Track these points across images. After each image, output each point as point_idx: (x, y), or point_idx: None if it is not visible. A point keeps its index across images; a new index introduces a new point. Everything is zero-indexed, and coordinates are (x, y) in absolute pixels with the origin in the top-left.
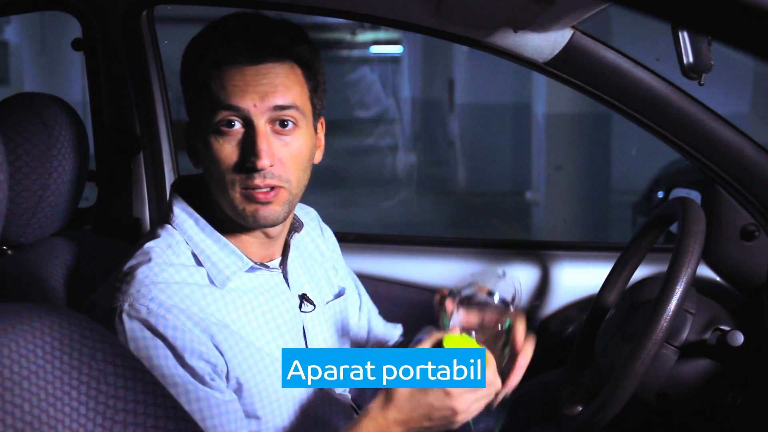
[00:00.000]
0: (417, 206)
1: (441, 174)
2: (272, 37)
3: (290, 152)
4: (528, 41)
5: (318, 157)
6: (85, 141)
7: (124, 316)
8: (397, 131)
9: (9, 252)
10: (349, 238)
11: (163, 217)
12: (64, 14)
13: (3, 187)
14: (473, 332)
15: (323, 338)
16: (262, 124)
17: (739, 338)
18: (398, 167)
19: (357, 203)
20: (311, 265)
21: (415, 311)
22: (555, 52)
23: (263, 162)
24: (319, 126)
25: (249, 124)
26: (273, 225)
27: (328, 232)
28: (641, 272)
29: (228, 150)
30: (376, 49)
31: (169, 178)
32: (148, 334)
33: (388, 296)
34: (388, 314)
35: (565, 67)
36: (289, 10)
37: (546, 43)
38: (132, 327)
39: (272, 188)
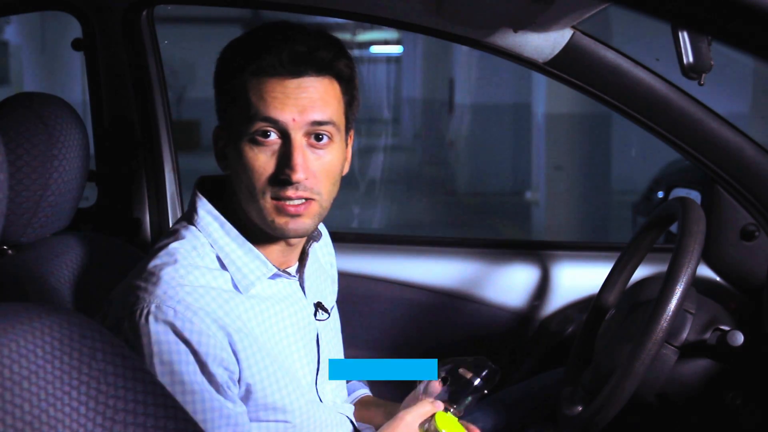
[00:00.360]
0: (416, 206)
1: (441, 174)
2: (316, 52)
3: (323, 165)
4: (528, 41)
5: (345, 169)
6: (86, 141)
7: (150, 318)
8: (396, 131)
9: (9, 252)
10: (349, 238)
11: (185, 216)
12: (64, 14)
13: (3, 187)
14: (452, 408)
15: (332, 345)
16: (298, 138)
17: (739, 338)
18: (398, 167)
19: (356, 203)
20: (321, 273)
21: (415, 311)
22: (555, 52)
23: (298, 175)
24: (348, 138)
25: (286, 137)
26: (302, 237)
27: (332, 247)
28: (641, 272)
29: (262, 160)
30: (376, 49)
31: (169, 179)
32: (172, 337)
33: (388, 296)
34: (388, 314)
35: (565, 67)
36: (289, 10)
37: (546, 43)
38: (157, 329)
39: (303, 201)
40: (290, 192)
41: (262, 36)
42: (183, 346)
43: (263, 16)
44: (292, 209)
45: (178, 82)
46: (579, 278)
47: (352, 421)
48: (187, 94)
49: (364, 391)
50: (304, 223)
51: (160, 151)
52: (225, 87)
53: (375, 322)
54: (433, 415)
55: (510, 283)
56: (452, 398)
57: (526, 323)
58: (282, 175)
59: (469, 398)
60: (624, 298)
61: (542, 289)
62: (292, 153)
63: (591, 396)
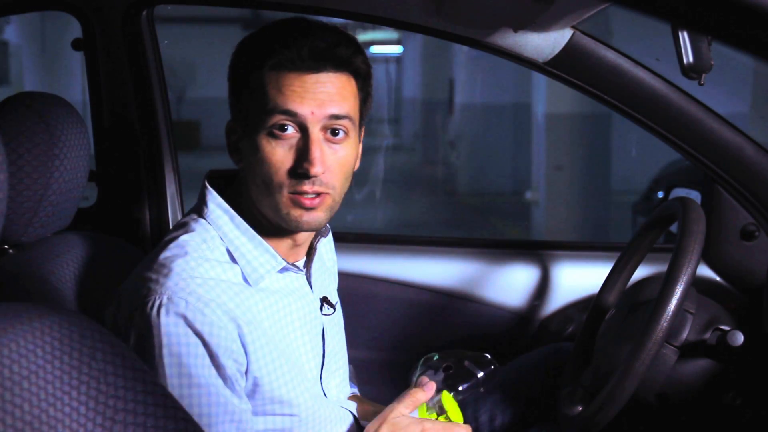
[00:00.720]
0: (418, 206)
1: (441, 174)
2: (335, 48)
3: (338, 160)
4: (528, 41)
5: (356, 165)
6: (87, 140)
7: (162, 310)
8: (396, 131)
9: (10, 251)
10: (349, 238)
11: (195, 209)
12: (64, 14)
13: (3, 187)
14: (452, 393)
15: (337, 340)
16: (316, 132)
17: (739, 338)
18: (398, 167)
19: (356, 203)
20: (325, 270)
21: (415, 311)
22: (555, 52)
23: (316, 169)
24: (360, 135)
25: (304, 131)
26: (315, 230)
27: (333, 244)
28: (641, 272)
29: (280, 154)
30: (376, 49)
31: (168, 178)
32: (183, 329)
33: (388, 296)
34: (388, 314)
35: (565, 67)
36: (289, 10)
37: (546, 43)
38: (168, 321)
39: (318, 194)
40: (307, 186)
41: (281, 31)
42: (194, 338)
43: (263, 17)
44: (307, 202)
45: (178, 82)
46: (579, 278)
47: (355, 417)
48: (187, 94)
49: (353, 390)
50: (317, 216)
51: (160, 151)
52: (242, 81)
53: (375, 322)
54: (440, 394)
55: (510, 283)
56: (449, 387)
57: (526, 323)
58: (300, 169)
59: (464, 390)
60: (624, 298)
61: (542, 289)
62: (310, 147)
63: (591, 396)
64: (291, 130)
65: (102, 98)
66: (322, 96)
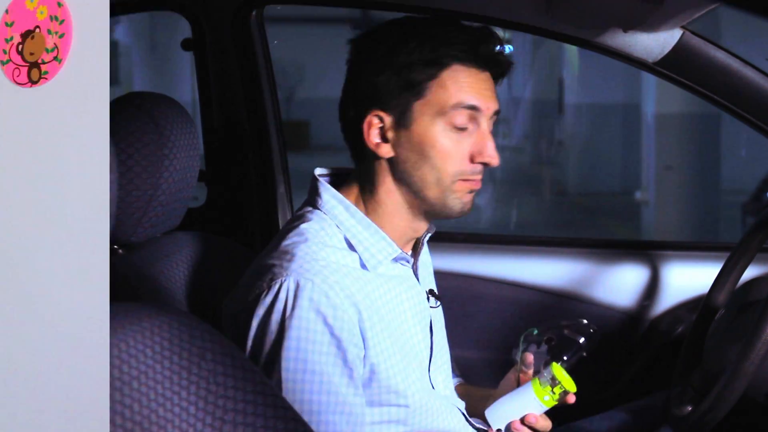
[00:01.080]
0: (527, 206)
1: (551, 174)
2: (499, 51)
3: None
4: (637, 41)
5: None
6: (196, 140)
7: (289, 293)
8: (506, 131)
9: (120, 251)
10: (459, 238)
11: (308, 202)
12: (174, 14)
13: (113, 187)
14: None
15: (442, 335)
16: (487, 126)
17: None
18: (508, 168)
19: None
20: (425, 266)
21: (524, 311)
22: (664, 52)
23: (497, 160)
24: None
25: (478, 125)
26: (466, 213)
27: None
28: (751, 272)
29: (459, 146)
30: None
31: (278, 179)
32: (306, 313)
33: (497, 296)
34: (497, 314)
35: (674, 67)
36: (400, 10)
37: (655, 43)
38: (294, 304)
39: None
40: (479, 175)
41: (457, 30)
42: (319, 324)
43: (372, 17)
44: (476, 185)
45: (287, 82)
46: (688, 278)
47: (464, 414)
48: (297, 94)
49: (458, 380)
50: (473, 201)
51: (269, 151)
52: (405, 76)
53: (484, 322)
54: (549, 365)
55: (619, 283)
56: (554, 358)
57: (635, 323)
58: (480, 159)
59: (569, 359)
60: (733, 298)
61: (652, 289)
62: (488, 141)
63: (701, 396)
64: (469, 124)
65: (211, 98)
66: (490, 93)
